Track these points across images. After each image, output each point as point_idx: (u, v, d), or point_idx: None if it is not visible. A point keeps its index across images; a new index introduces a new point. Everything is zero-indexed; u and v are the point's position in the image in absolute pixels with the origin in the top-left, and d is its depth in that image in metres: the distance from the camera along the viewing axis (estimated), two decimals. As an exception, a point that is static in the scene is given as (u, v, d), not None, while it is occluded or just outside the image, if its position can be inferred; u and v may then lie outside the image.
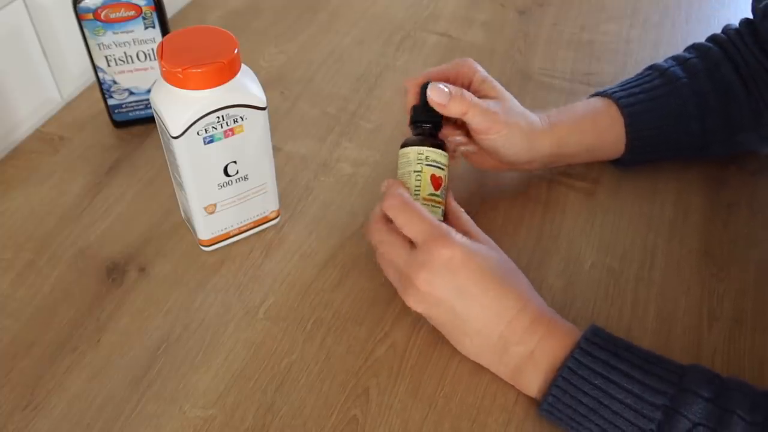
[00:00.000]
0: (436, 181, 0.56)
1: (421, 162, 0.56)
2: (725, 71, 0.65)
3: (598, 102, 0.66)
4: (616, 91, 0.66)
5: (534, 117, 0.63)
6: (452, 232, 0.51)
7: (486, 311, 0.51)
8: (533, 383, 0.51)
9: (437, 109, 0.58)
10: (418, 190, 0.56)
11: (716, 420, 0.44)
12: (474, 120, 0.59)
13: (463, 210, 0.57)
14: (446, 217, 0.57)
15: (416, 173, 0.56)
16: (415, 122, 0.59)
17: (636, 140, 0.65)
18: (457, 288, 0.51)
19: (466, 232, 0.55)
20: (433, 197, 0.56)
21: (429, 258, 0.50)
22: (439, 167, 0.57)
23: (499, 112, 0.59)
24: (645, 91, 0.65)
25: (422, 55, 0.86)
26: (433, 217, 0.53)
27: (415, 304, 0.53)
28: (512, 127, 0.60)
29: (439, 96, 0.57)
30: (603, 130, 0.65)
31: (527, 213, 0.66)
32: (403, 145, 0.58)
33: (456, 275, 0.50)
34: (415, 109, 0.60)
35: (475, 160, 0.65)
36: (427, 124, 0.59)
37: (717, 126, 0.65)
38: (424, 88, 0.59)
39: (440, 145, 0.58)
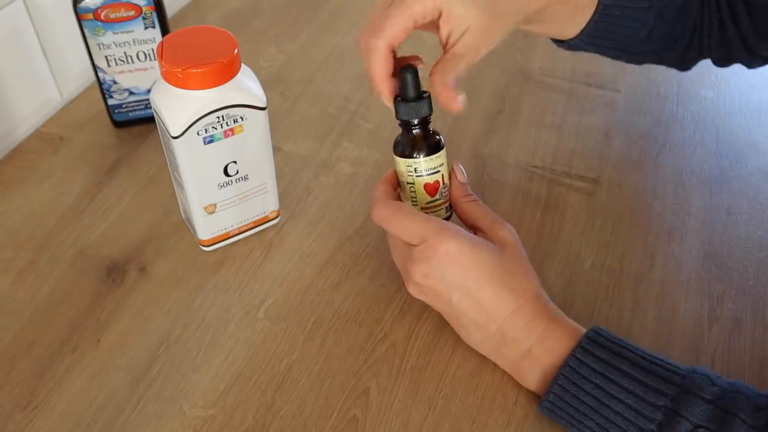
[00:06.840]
0: (431, 188, 0.55)
1: (411, 174, 0.54)
2: None
3: None
4: None
5: None
6: (447, 227, 0.51)
7: (482, 306, 0.51)
8: (532, 379, 0.51)
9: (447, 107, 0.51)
10: (416, 202, 0.55)
11: (717, 422, 0.44)
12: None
13: (470, 197, 0.55)
14: (453, 209, 0.57)
15: (409, 185, 0.55)
16: (402, 125, 0.54)
17: (595, 29, 0.59)
18: (453, 282, 0.51)
19: (472, 224, 0.55)
20: (432, 203, 0.55)
21: (425, 255, 0.51)
22: (431, 173, 0.54)
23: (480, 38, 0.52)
24: None
25: (422, 55, 0.85)
26: (426, 216, 0.52)
27: (415, 294, 0.54)
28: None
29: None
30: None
31: (527, 213, 0.66)
32: (395, 149, 0.55)
33: (451, 270, 0.51)
34: (403, 104, 0.52)
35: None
36: (415, 127, 0.53)
37: (659, 37, 0.62)
38: (404, 72, 0.52)
39: (432, 145, 0.53)
